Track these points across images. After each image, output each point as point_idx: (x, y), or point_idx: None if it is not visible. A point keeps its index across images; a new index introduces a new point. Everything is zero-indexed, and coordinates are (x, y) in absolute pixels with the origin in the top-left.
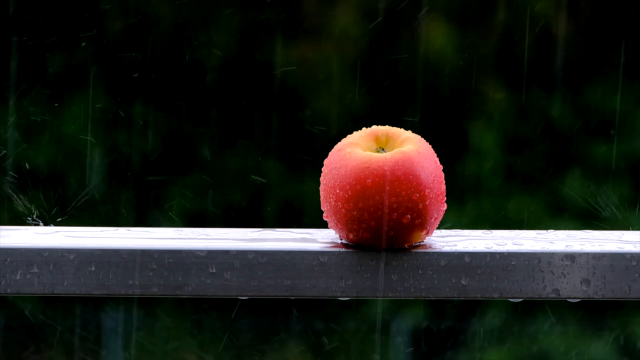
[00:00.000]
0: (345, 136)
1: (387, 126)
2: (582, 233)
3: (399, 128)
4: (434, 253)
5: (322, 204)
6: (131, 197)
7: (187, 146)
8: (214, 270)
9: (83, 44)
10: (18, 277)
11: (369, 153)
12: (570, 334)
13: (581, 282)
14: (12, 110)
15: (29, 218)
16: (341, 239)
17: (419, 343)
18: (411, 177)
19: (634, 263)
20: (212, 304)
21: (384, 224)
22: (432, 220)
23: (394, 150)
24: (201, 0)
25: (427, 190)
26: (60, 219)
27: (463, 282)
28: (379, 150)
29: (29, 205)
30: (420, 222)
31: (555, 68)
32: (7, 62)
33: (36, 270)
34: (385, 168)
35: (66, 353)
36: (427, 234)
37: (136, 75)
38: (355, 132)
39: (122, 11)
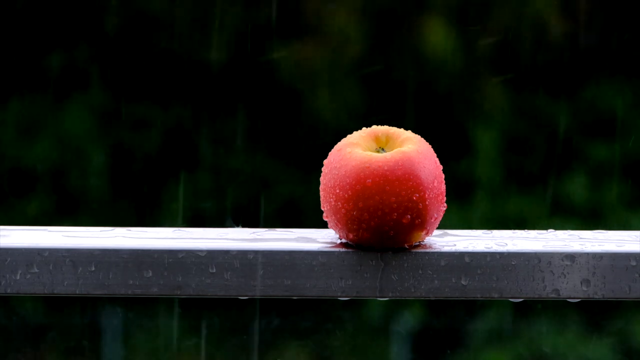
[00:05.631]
0: (345, 136)
1: (387, 126)
2: (582, 233)
3: (398, 128)
4: (434, 253)
5: (322, 204)
6: (131, 196)
7: (187, 146)
8: (214, 270)
9: (83, 43)
10: (18, 277)
11: (369, 153)
12: (569, 334)
13: (581, 282)
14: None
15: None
16: (341, 239)
17: (418, 343)
18: (411, 177)
19: (634, 263)
20: (211, 304)
21: (384, 223)
22: (432, 220)
23: (394, 150)
24: None
25: (427, 190)
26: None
27: (463, 282)
28: (379, 150)
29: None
30: (420, 222)
31: (555, 68)
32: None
33: (36, 270)
34: (385, 168)
35: (65, 353)
36: (427, 234)
37: (136, 74)
38: (355, 132)
39: (122, 10)
